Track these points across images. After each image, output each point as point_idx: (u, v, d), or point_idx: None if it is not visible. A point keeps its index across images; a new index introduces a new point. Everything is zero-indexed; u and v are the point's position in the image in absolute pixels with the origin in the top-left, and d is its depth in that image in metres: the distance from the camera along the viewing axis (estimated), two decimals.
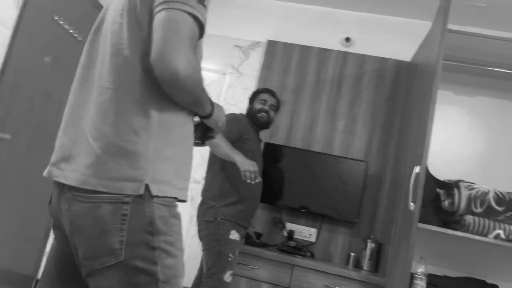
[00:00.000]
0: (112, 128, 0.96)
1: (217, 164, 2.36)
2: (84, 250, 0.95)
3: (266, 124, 2.53)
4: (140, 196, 0.94)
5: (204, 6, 0.97)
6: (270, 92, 2.59)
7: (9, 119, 2.46)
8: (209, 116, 1.12)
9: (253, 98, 2.62)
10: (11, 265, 2.73)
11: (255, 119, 2.50)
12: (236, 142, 2.33)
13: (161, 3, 0.93)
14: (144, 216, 0.94)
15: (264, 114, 2.50)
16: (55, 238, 1.12)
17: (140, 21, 0.98)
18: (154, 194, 0.95)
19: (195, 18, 0.94)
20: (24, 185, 2.70)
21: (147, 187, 0.95)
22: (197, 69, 0.96)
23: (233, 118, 2.41)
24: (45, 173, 1.12)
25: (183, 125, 1.05)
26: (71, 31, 2.83)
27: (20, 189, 2.67)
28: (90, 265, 0.94)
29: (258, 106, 2.52)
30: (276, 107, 2.59)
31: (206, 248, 2.22)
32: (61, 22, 2.72)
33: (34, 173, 2.78)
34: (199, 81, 0.97)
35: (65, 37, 2.81)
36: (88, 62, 1.10)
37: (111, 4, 1.12)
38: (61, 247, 1.09)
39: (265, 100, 2.54)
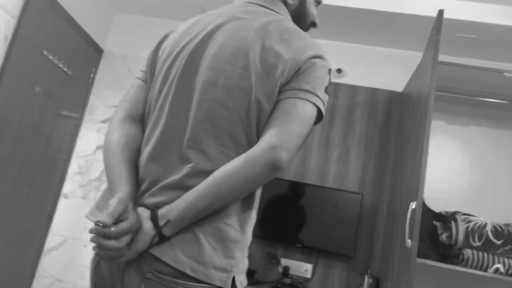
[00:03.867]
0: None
1: None
2: None
3: None
4: None
5: (328, 94, 0.95)
6: None
7: None
8: None
9: None
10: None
11: None
12: None
13: (299, 90, 0.89)
14: None
15: None
16: None
17: (270, 96, 0.90)
18: (238, 286, 0.89)
19: (320, 112, 0.92)
20: (10, 225, 2.61)
21: (233, 280, 0.88)
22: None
23: None
24: None
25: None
26: (60, 66, 2.81)
27: (6, 228, 2.58)
28: None
29: None
30: None
31: None
32: (51, 57, 2.70)
33: (21, 212, 2.69)
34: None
35: (55, 72, 2.79)
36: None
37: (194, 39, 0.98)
38: None
39: None
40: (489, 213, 2.76)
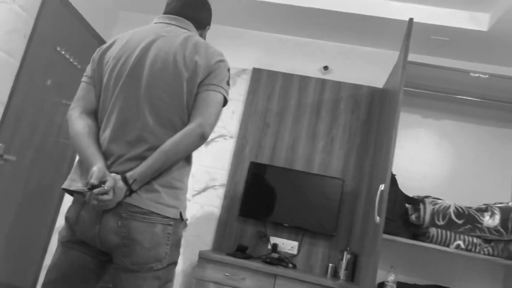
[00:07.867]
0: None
1: None
2: (137, 258, 1.27)
3: None
4: (177, 220, 1.33)
5: (229, 85, 1.44)
6: None
7: (15, 142, 2.68)
8: None
9: None
10: (9, 279, 2.91)
11: None
12: None
13: (211, 84, 1.37)
14: (177, 235, 1.36)
15: None
16: (76, 250, 1.35)
17: (192, 91, 1.37)
18: (184, 218, 1.37)
19: (225, 100, 1.42)
20: (25, 203, 2.90)
21: (180, 213, 1.35)
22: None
23: None
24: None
25: None
26: (71, 60, 3.08)
27: (21, 206, 2.87)
28: (138, 269, 1.27)
29: None
30: None
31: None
32: (63, 52, 2.97)
33: (35, 192, 2.99)
34: None
35: (66, 66, 3.06)
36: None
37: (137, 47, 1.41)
38: (82, 258, 1.35)
39: None
40: (457, 198, 3.09)
